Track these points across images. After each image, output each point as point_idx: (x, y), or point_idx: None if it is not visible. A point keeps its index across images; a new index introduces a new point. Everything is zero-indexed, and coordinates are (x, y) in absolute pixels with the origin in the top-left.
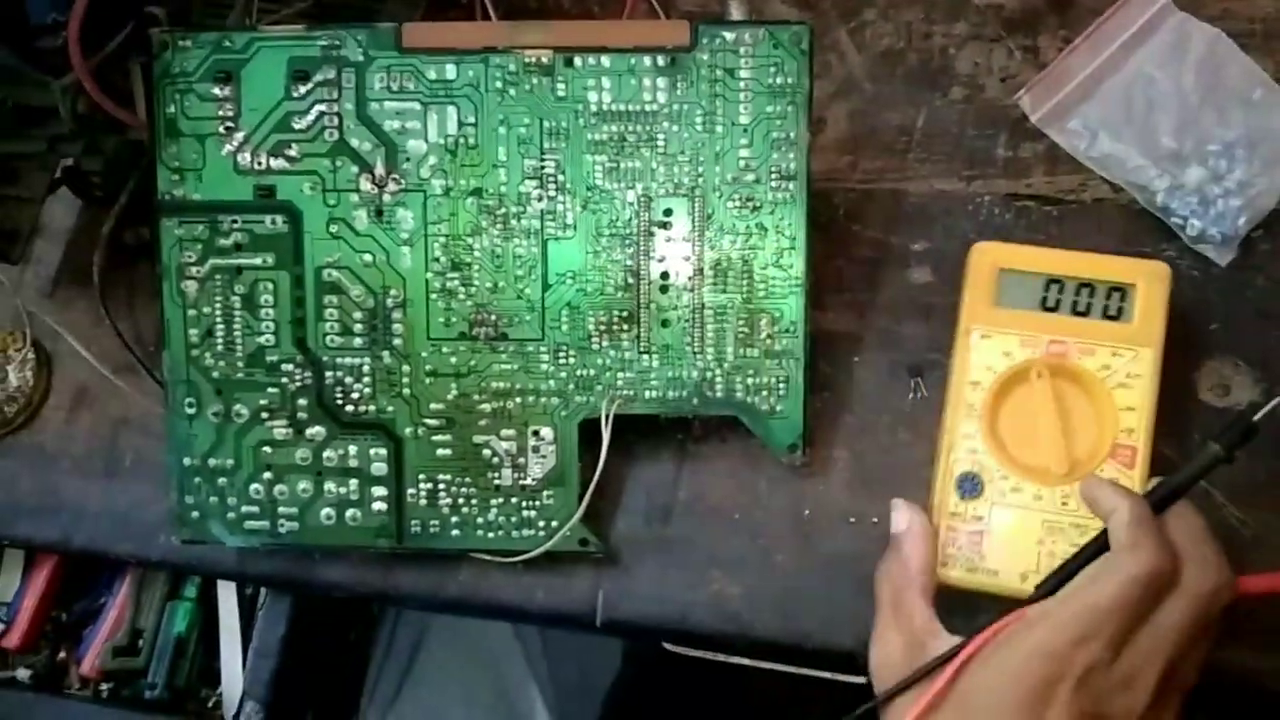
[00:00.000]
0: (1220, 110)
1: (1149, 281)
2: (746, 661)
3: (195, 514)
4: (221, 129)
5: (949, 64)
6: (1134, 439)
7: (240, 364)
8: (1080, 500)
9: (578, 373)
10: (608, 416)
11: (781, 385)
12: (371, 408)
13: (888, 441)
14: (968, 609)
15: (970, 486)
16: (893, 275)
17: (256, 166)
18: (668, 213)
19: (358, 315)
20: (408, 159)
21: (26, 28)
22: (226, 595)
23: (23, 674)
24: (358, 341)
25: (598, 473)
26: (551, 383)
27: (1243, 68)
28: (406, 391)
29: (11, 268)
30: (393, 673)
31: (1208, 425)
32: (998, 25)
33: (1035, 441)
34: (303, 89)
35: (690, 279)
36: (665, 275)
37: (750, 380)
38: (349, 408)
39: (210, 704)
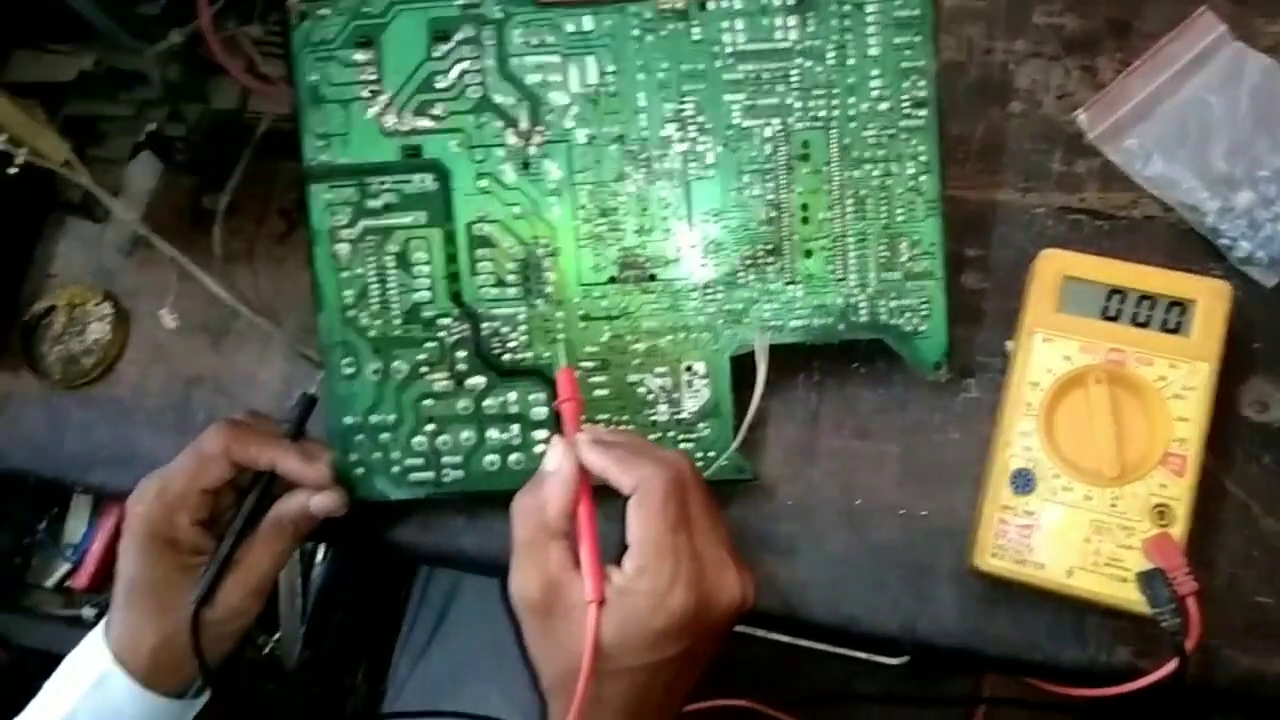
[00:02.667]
0: (1273, 137)
1: (1210, 298)
2: (789, 639)
3: (360, 471)
4: (365, 93)
5: (1009, 79)
6: (1185, 449)
7: (397, 321)
8: (1129, 503)
9: (726, 308)
10: (762, 347)
11: (924, 305)
12: (529, 355)
13: (938, 439)
14: (1012, 600)
15: (1023, 482)
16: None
17: (402, 128)
18: (805, 145)
19: (510, 266)
20: (551, 111)
21: None
22: None
23: (88, 613)
24: (511, 292)
25: (756, 399)
26: (701, 319)
27: None
28: (561, 337)
29: (93, 226)
30: (425, 623)
31: (1246, 439)
32: (1057, 44)
33: (1089, 444)
34: (444, 49)
35: (830, 208)
36: (806, 206)
37: (894, 303)
38: (506, 356)
39: (265, 649)
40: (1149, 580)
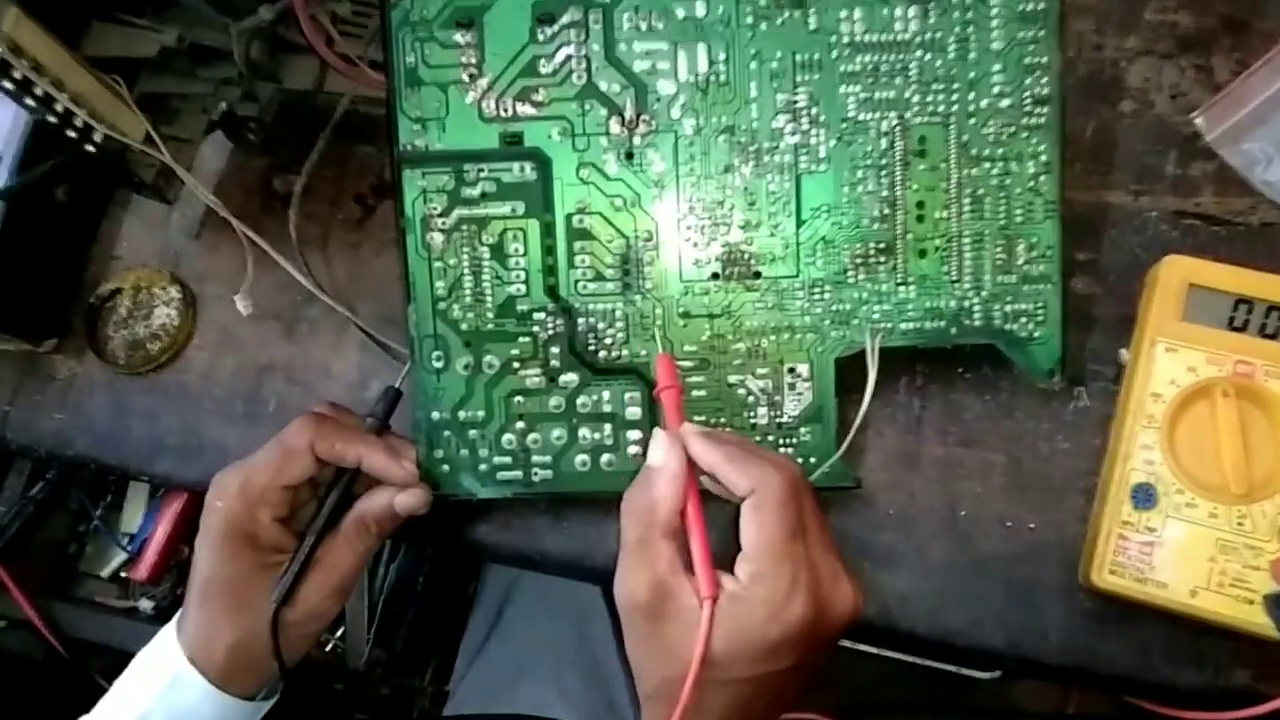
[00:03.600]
0: None
1: None
2: (885, 652)
3: (445, 468)
4: (464, 76)
5: (1119, 77)
6: None
7: (490, 315)
8: (1256, 522)
9: (833, 308)
10: (873, 350)
11: (1040, 310)
12: (625, 352)
13: (1046, 449)
14: (1124, 617)
15: (1144, 498)
16: None
17: (502, 113)
18: (922, 141)
19: (609, 260)
20: (658, 99)
21: None
22: None
23: (145, 605)
24: (609, 287)
25: (865, 404)
26: (807, 319)
27: None
28: (659, 334)
29: (161, 208)
30: (481, 622)
31: None
32: (1170, 42)
33: (1214, 459)
34: (548, 32)
35: (946, 207)
36: (921, 204)
37: (1008, 307)
38: (602, 353)
39: (329, 648)
40: (1277, 603)
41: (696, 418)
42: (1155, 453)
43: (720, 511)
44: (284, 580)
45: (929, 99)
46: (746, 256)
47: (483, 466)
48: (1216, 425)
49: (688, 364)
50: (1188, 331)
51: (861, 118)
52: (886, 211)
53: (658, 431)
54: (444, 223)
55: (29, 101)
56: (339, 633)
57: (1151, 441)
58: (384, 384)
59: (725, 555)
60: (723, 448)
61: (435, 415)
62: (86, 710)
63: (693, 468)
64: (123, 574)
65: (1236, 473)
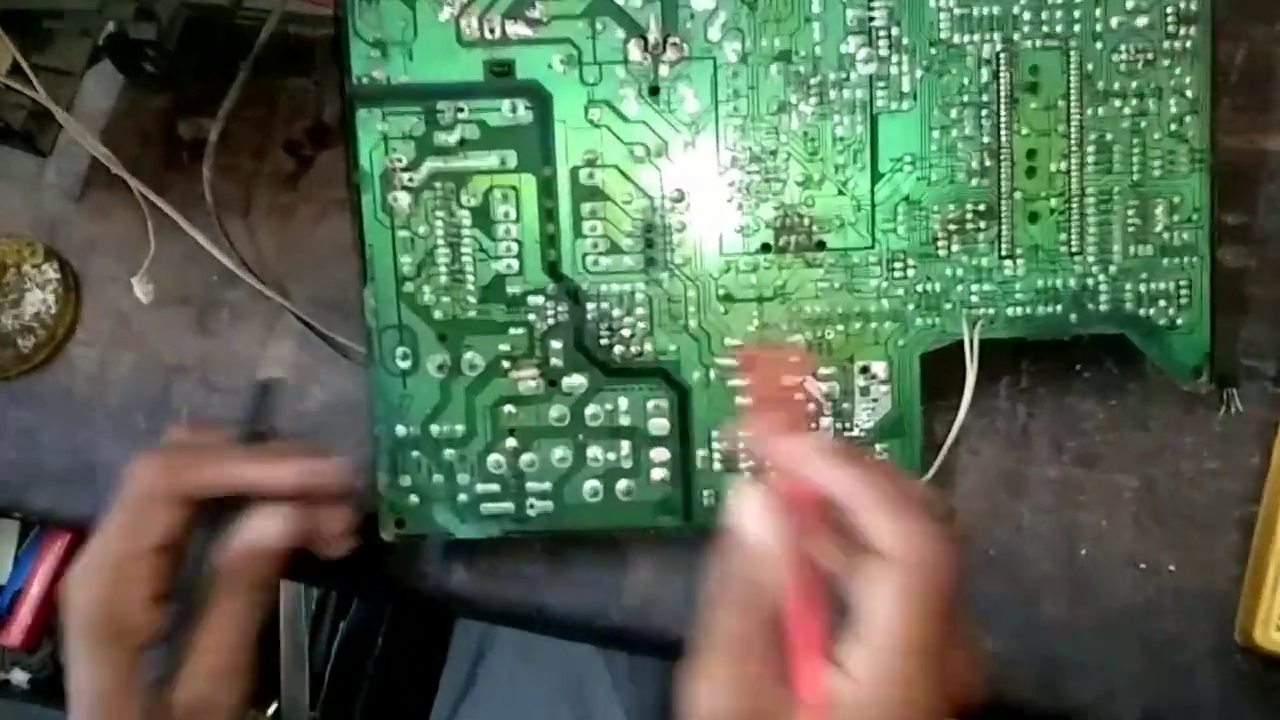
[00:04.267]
0: None
1: None
2: None
3: (413, 499)
4: None
5: None
6: None
7: (471, 299)
8: None
9: (919, 288)
10: (972, 342)
11: (1183, 291)
12: (648, 348)
13: (1189, 469)
14: None
15: None
16: None
17: (488, 35)
18: (1034, 71)
19: (627, 228)
20: (691, 16)
21: None
22: (287, 594)
23: (18, 677)
24: (628, 262)
25: (963, 412)
26: (885, 303)
27: None
28: (693, 324)
29: (32, 161)
30: (450, 687)
31: None
32: None
33: None
34: None
35: (1065, 157)
36: (1032, 154)
37: (1143, 286)
38: (618, 349)
39: None
40: None
41: (742, 433)
42: None
43: None
44: (150, 679)
45: (1043, 17)
46: (806, 222)
47: (462, 497)
48: None
49: (731, 362)
50: None
51: (956, 41)
52: (988, 163)
53: (749, 488)
54: (411, 179)
55: None
56: (271, 710)
57: None
58: (332, 391)
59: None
60: (862, 474)
61: (400, 431)
62: None
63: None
64: None
65: None
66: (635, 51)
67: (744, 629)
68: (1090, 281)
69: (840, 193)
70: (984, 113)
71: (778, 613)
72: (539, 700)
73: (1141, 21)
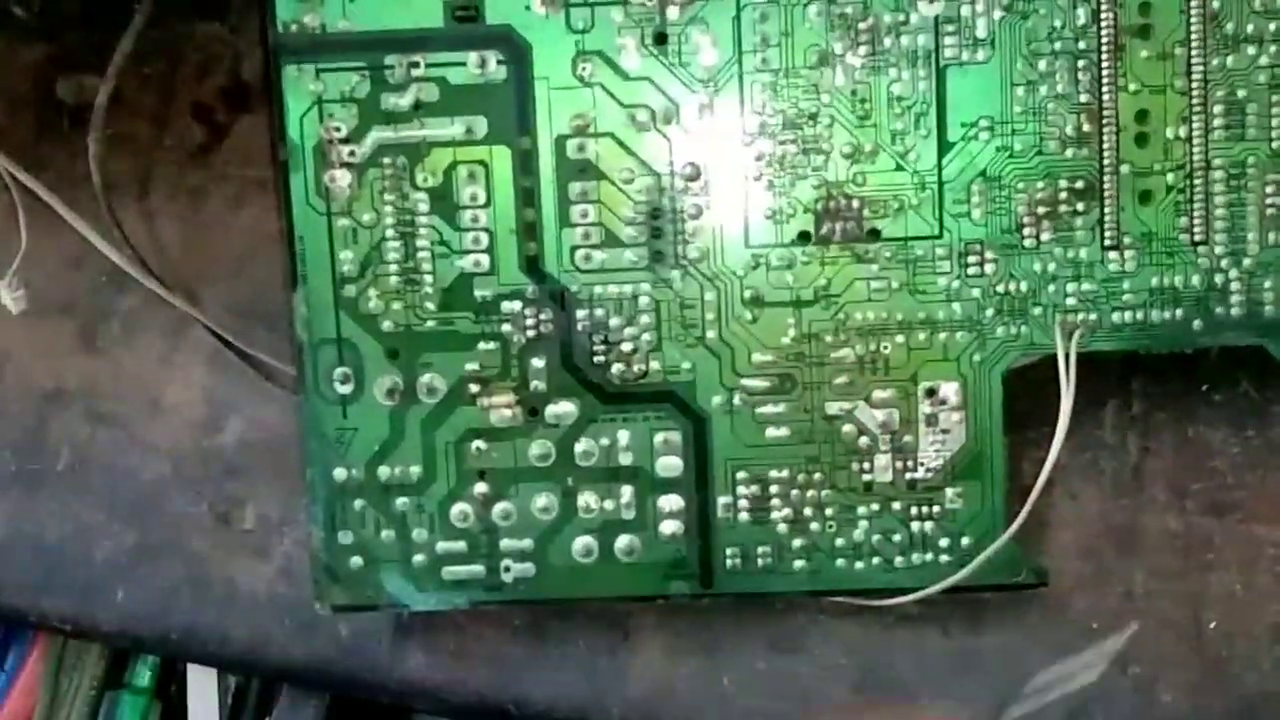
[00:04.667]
0: None
1: None
2: None
3: (356, 561)
4: None
5: None
6: None
7: (430, 306)
8: None
9: (999, 288)
10: (1067, 357)
11: None
12: (654, 366)
13: None
14: None
15: None
16: None
17: None
18: (1144, 11)
19: (627, 214)
20: None
21: None
22: (200, 687)
23: None
24: (629, 257)
25: (1057, 446)
26: (956, 307)
27: None
28: (712, 335)
29: None
30: None
31: None
32: None
33: None
34: None
35: (1184, 120)
36: (1143, 115)
37: None
38: (617, 368)
39: None
40: None
41: (772, 474)
42: None
43: None
44: None
45: None
46: (855, 206)
47: (419, 559)
48: None
49: (759, 383)
50: None
51: None
52: (1086, 128)
53: None
54: (353, 153)
55: None
56: None
57: None
58: (253, 423)
59: None
60: None
61: (339, 474)
62: None
63: None
64: None
65: None
66: None
67: None
68: (1219, 279)
69: (899, 168)
70: (1081, 64)
71: None
72: None
73: None
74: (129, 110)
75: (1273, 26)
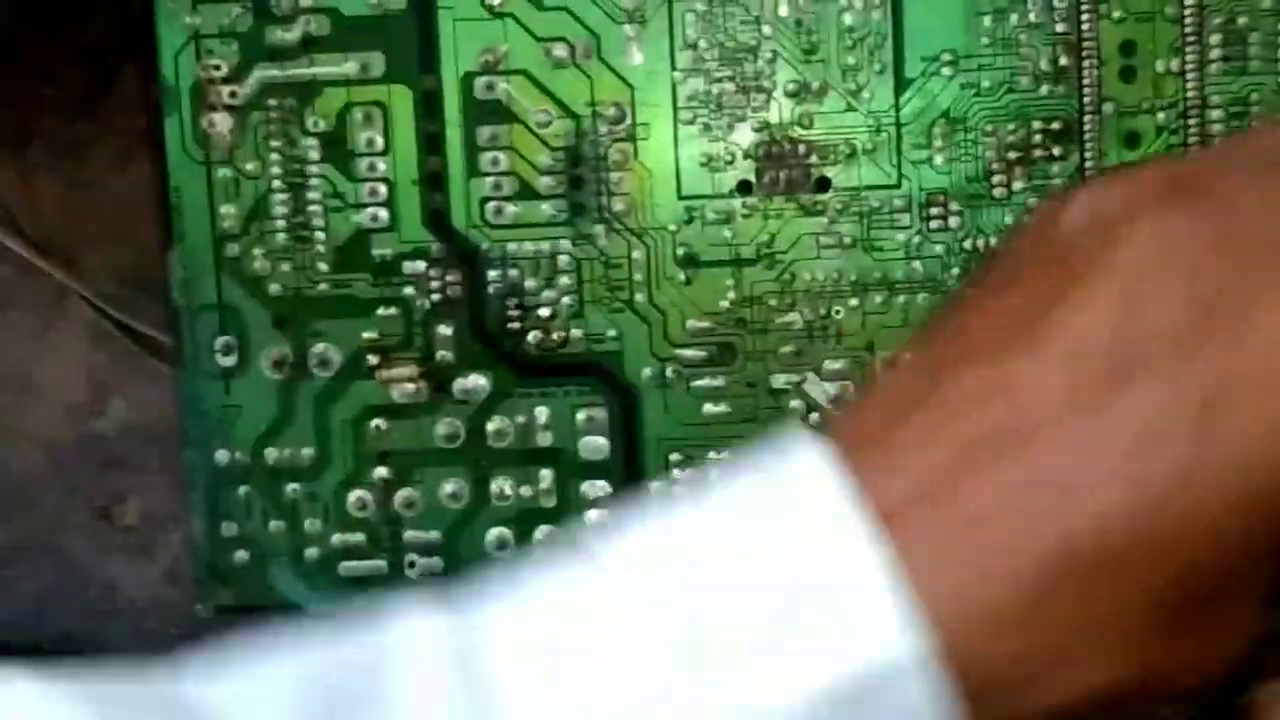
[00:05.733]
0: None
1: None
2: None
3: (240, 555)
4: None
5: None
6: None
7: (322, 266)
8: None
9: (966, 244)
10: None
11: None
12: (576, 333)
13: None
14: None
15: None
16: None
17: None
18: None
19: (545, 161)
20: None
21: None
22: None
23: None
24: (546, 210)
25: None
26: (917, 266)
27: None
28: (641, 299)
29: None
30: None
31: None
32: None
33: None
34: None
35: (1175, 52)
36: (1129, 47)
37: None
38: (534, 336)
39: None
40: None
41: (710, 455)
42: None
43: None
44: None
45: None
46: (801, 151)
47: (311, 552)
48: None
49: (693, 353)
50: None
51: None
52: (1064, 61)
53: None
54: (234, 94)
55: None
56: None
57: None
58: (139, 405)
59: None
60: None
61: (221, 457)
62: None
63: None
64: None
65: None
66: None
67: None
68: None
69: (850, 108)
70: None
71: None
72: None
73: None
74: (2, 54)
75: None
